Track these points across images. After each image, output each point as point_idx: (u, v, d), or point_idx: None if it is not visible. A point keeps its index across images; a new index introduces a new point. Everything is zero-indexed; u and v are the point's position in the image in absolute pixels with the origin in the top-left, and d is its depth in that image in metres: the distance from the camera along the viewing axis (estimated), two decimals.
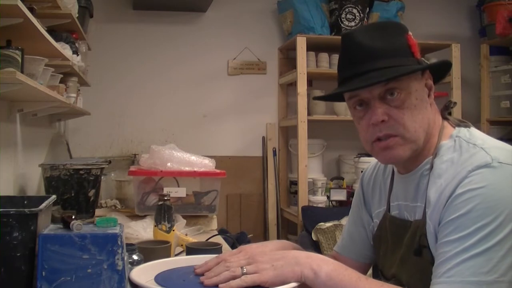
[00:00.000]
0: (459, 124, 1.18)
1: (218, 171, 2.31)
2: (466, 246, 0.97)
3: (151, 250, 1.39)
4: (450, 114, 1.23)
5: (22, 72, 1.56)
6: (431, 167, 1.12)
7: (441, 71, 1.22)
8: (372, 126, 1.11)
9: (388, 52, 1.10)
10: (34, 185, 2.47)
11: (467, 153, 1.07)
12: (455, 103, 1.22)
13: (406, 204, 1.19)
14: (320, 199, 3.74)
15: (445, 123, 1.18)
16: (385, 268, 1.25)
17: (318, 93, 3.93)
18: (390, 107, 1.10)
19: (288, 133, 4.19)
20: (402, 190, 1.21)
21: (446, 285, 0.97)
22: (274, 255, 1.08)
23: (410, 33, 1.15)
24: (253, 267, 1.06)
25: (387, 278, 1.23)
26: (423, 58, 1.16)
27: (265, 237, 4.07)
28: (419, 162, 1.16)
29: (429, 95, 1.16)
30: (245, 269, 1.05)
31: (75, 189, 2.08)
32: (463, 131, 1.14)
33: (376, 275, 1.32)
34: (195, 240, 1.64)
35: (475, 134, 1.13)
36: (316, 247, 3.19)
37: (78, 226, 1.04)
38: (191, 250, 1.43)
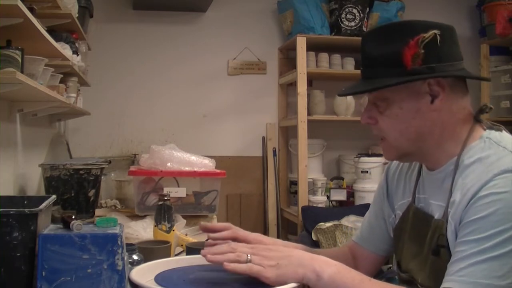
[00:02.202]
0: (491, 127, 1.16)
1: (218, 171, 2.31)
2: (482, 248, 0.97)
3: (151, 250, 1.39)
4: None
5: (22, 72, 1.56)
6: (456, 168, 1.11)
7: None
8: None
9: (378, 61, 1.12)
10: (34, 185, 2.47)
11: (495, 155, 1.06)
12: (491, 108, 1.18)
13: (430, 201, 1.19)
14: (320, 199, 3.74)
15: (476, 125, 1.16)
16: (403, 262, 1.25)
17: (318, 93, 3.94)
18: (377, 111, 1.16)
19: (288, 133, 4.19)
20: (428, 186, 1.21)
21: (456, 283, 0.97)
22: (278, 253, 1.08)
23: (419, 36, 1.07)
24: (258, 258, 1.06)
25: (403, 271, 1.24)
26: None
27: None
28: (444, 162, 1.15)
29: (433, 102, 1.12)
30: (249, 258, 1.05)
31: (75, 189, 2.08)
32: (494, 133, 1.12)
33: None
34: (195, 240, 1.64)
35: (506, 137, 1.11)
36: (316, 247, 3.18)
37: (78, 226, 1.04)
38: (191, 250, 1.43)
